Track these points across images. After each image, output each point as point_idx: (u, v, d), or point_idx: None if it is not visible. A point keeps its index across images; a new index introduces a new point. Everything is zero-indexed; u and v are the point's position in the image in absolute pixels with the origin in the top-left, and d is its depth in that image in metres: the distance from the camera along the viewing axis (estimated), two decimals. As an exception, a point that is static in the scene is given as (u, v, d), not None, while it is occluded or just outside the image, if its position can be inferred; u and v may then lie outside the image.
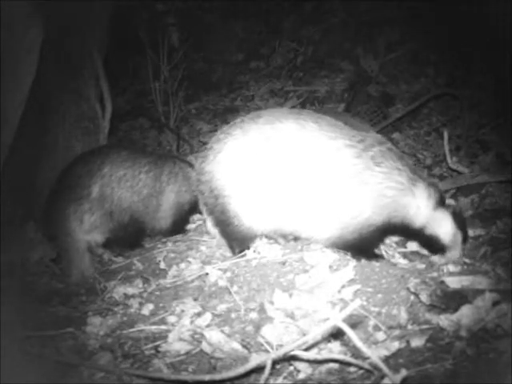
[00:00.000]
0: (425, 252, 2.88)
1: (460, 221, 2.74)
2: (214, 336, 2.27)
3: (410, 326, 2.17)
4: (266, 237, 3.04)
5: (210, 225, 3.11)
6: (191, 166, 3.74)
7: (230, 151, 2.83)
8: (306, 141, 2.70)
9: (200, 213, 3.78)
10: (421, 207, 2.68)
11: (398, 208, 2.67)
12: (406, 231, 2.79)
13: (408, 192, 2.66)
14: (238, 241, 2.97)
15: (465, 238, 2.74)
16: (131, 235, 3.40)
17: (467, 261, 2.63)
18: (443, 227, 2.71)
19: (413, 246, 2.95)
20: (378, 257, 2.79)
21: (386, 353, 2.01)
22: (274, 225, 2.88)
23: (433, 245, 2.76)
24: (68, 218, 3.19)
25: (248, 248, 2.95)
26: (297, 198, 2.73)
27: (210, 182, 2.89)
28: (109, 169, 3.25)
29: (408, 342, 2.06)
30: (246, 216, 2.85)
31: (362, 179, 2.65)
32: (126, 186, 3.29)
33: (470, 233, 2.88)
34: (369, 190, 2.65)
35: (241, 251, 2.94)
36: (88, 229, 3.24)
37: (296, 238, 3.01)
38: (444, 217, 2.71)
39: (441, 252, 2.74)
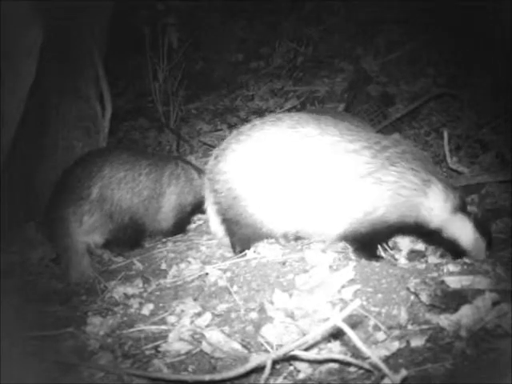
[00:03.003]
0: (423, 250, 2.88)
1: (483, 227, 2.72)
2: (214, 336, 2.27)
3: (410, 326, 2.17)
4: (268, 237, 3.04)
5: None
6: (194, 167, 3.75)
7: (251, 152, 2.84)
8: (326, 143, 2.73)
9: (203, 213, 3.80)
10: (434, 209, 2.69)
11: (412, 208, 2.69)
12: (420, 232, 2.79)
13: (421, 193, 2.68)
14: (243, 240, 2.97)
15: (489, 244, 2.72)
16: (131, 236, 3.40)
17: (467, 261, 2.62)
18: (462, 232, 2.70)
19: (413, 245, 2.95)
20: (378, 258, 2.80)
21: (386, 353, 2.01)
22: (291, 225, 2.87)
23: (453, 249, 2.75)
24: (68, 219, 3.19)
25: (249, 248, 2.95)
26: (315, 198, 2.74)
27: (228, 181, 2.88)
28: (109, 170, 3.25)
29: (408, 341, 2.06)
30: (264, 217, 2.84)
31: (377, 178, 2.68)
32: (126, 187, 3.29)
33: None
34: (384, 189, 2.68)
35: (241, 251, 2.94)
36: (87, 230, 3.24)
37: (297, 238, 3.02)
38: (463, 221, 2.70)
39: (463, 256, 2.71)
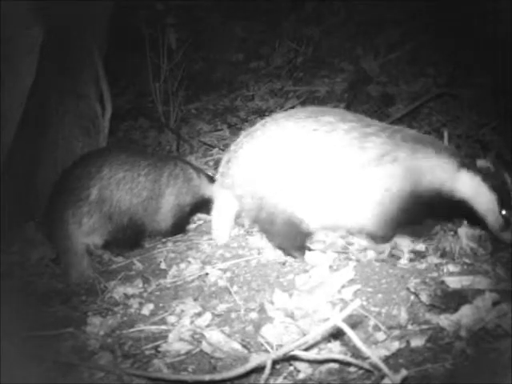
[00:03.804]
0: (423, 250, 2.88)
1: (495, 182, 2.66)
2: (214, 336, 2.27)
3: (410, 326, 2.17)
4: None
5: (256, 236, 3.06)
6: (193, 167, 3.74)
7: (268, 147, 2.77)
8: (344, 128, 2.72)
9: (202, 213, 3.80)
10: (444, 166, 2.70)
11: (423, 174, 2.70)
12: (440, 200, 2.72)
13: (432, 157, 2.71)
14: (293, 241, 2.85)
15: (507, 204, 2.62)
16: (130, 237, 3.39)
17: (467, 261, 2.62)
18: (474, 190, 2.68)
19: (413, 245, 2.95)
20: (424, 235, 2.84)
21: (386, 353, 2.01)
22: (325, 216, 2.80)
23: (468, 215, 2.75)
24: (67, 221, 3.18)
25: (308, 248, 2.85)
26: (338, 185, 2.72)
27: (250, 183, 2.80)
28: (108, 171, 3.24)
29: (408, 341, 2.06)
30: (297, 210, 2.76)
31: (393, 156, 2.69)
32: (125, 188, 3.28)
33: (470, 233, 2.87)
34: (398, 165, 2.69)
35: (302, 253, 2.83)
36: (87, 231, 3.24)
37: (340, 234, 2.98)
38: (470, 177, 2.69)
39: (482, 224, 2.70)
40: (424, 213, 2.82)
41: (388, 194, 2.71)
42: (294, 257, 2.85)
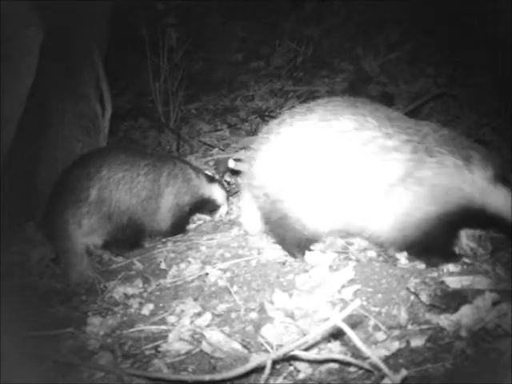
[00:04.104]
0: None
1: None
2: (214, 336, 2.27)
3: (410, 326, 2.17)
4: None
5: (256, 236, 3.05)
6: (192, 167, 3.74)
7: (282, 152, 2.70)
8: (363, 140, 2.57)
9: (206, 213, 3.81)
10: (476, 180, 2.51)
11: (452, 192, 2.54)
12: (469, 216, 2.56)
13: (464, 170, 2.52)
14: (299, 246, 2.82)
15: None
16: (130, 237, 3.39)
17: (467, 261, 2.62)
18: (504, 203, 2.50)
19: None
20: (458, 256, 2.64)
21: (386, 353, 2.01)
22: (336, 225, 2.73)
23: (503, 228, 2.59)
24: (66, 222, 3.18)
25: (309, 250, 2.82)
26: (356, 196, 2.60)
27: (263, 186, 2.76)
28: (107, 171, 3.24)
29: (408, 341, 2.06)
30: (306, 217, 2.71)
31: (417, 177, 2.53)
32: (124, 188, 3.28)
33: (470, 233, 2.87)
34: (422, 188, 2.53)
35: (302, 254, 2.81)
36: (87, 232, 3.23)
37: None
38: (504, 191, 2.50)
39: None
40: (451, 232, 2.69)
41: (411, 219, 2.57)
42: (294, 256, 2.84)
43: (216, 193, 3.74)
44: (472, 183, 2.52)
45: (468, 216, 2.58)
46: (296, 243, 2.82)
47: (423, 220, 2.56)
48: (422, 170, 2.53)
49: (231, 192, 4.12)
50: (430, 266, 2.60)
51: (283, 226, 2.78)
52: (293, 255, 2.86)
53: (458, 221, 2.62)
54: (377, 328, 2.18)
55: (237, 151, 4.71)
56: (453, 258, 2.63)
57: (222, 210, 3.77)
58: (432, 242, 2.60)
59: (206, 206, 3.76)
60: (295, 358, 1.99)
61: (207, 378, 1.90)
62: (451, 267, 2.55)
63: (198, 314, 2.50)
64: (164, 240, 3.51)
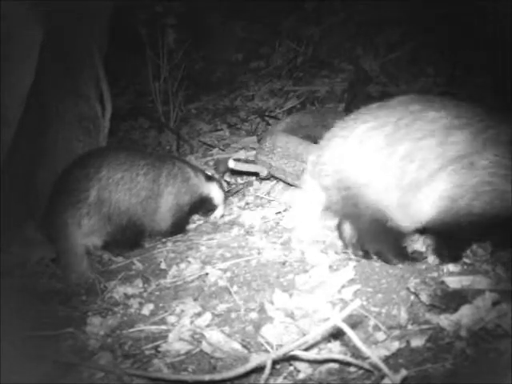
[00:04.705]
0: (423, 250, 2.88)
1: None
2: (214, 336, 2.28)
3: (410, 326, 2.17)
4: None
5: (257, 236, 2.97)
6: (191, 166, 3.74)
7: (361, 136, 2.56)
8: (428, 119, 2.49)
9: (205, 212, 3.80)
10: None
11: (499, 196, 2.43)
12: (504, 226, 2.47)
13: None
14: (387, 245, 2.66)
15: None
16: (130, 238, 3.39)
17: (467, 261, 2.62)
18: None
19: (413, 245, 2.95)
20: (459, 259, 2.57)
21: (386, 353, 2.01)
22: (409, 219, 2.58)
23: None
24: (66, 223, 3.17)
25: (408, 253, 2.68)
26: (426, 183, 2.49)
27: (337, 174, 2.60)
28: (106, 172, 3.23)
29: (408, 341, 2.07)
30: (383, 209, 2.54)
31: (470, 161, 2.44)
32: (123, 188, 3.27)
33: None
34: (472, 174, 2.44)
35: (401, 259, 2.65)
36: (86, 233, 3.23)
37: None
38: None
39: None
40: (480, 233, 2.60)
41: (454, 205, 2.47)
42: (393, 263, 2.65)
43: (214, 192, 3.74)
44: None
45: (503, 226, 2.49)
46: (381, 239, 2.65)
47: (464, 211, 2.47)
48: (476, 156, 2.43)
49: (231, 192, 4.12)
50: (449, 261, 2.55)
51: (359, 217, 2.61)
52: (387, 260, 2.67)
53: (492, 225, 2.52)
54: (377, 328, 2.18)
55: (237, 151, 4.72)
56: (458, 259, 2.60)
57: (218, 212, 3.76)
58: (459, 234, 2.54)
59: (205, 205, 3.75)
60: (295, 358, 1.99)
61: (207, 378, 1.90)
62: (451, 267, 2.55)
63: (198, 314, 2.50)
64: (164, 240, 3.52)
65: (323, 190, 2.70)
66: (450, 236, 2.57)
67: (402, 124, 2.51)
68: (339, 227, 2.89)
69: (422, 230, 2.73)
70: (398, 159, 2.49)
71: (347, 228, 2.84)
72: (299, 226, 2.99)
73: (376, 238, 2.68)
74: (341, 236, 2.90)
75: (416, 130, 2.48)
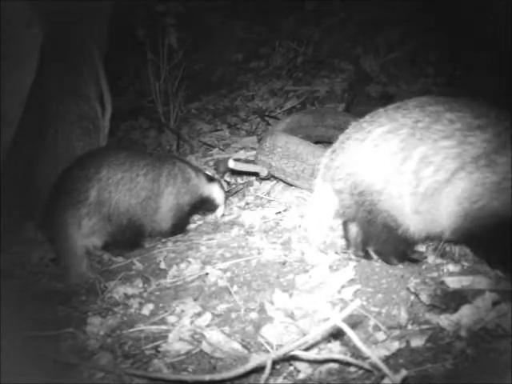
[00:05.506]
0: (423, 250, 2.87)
1: None
2: (214, 336, 2.28)
3: (410, 326, 2.17)
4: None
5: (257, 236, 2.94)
6: (191, 166, 3.74)
7: (377, 139, 2.51)
8: (449, 118, 2.44)
9: (201, 213, 3.80)
10: None
11: None
12: None
13: None
14: (393, 249, 2.63)
15: None
16: (130, 238, 3.38)
17: (467, 261, 2.62)
18: None
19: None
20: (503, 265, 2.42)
21: (386, 353, 2.01)
22: (424, 225, 2.52)
23: None
24: (66, 223, 3.17)
25: (410, 253, 2.66)
26: (444, 186, 2.42)
27: (351, 178, 2.56)
28: (106, 172, 3.22)
29: (408, 342, 2.07)
30: (396, 215, 2.50)
31: (491, 159, 2.36)
32: (123, 189, 3.26)
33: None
34: (492, 172, 2.35)
35: (401, 260, 2.63)
36: (86, 233, 3.22)
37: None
38: None
39: None
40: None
41: (474, 206, 2.37)
42: (393, 263, 2.66)
43: (215, 192, 3.74)
44: None
45: None
46: (388, 244, 2.61)
47: (485, 213, 2.37)
48: (498, 153, 2.36)
49: (231, 192, 4.12)
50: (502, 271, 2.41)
51: (371, 222, 2.57)
52: (388, 261, 2.66)
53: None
54: (377, 328, 2.18)
55: (237, 151, 4.72)
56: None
57: (219, 211, 3.76)
58: (487, 237, 2.40)
59: (205, 205, 3.75)
60: (295, 358, 1.99)
61: (207, 378, 1.90)
62: (451, 267, 2.55)
63: (198, 314, 2.50)
64: (164, 240, 3.51)
65: (336, 193, 2.66)
66: (482, 242, 2.46)
67: (418, 127, 2.46)
68: (345, 226, 2.87)
69: (436, 238, 2.66)
70: (414, 164, 2.43)
71: (353, 228, 2.83)
72: (310, 228, 2.93)
73: (384, 244, 2.65)
74: (346, 235, 2.88)
75: (433, 132, 2.43)
